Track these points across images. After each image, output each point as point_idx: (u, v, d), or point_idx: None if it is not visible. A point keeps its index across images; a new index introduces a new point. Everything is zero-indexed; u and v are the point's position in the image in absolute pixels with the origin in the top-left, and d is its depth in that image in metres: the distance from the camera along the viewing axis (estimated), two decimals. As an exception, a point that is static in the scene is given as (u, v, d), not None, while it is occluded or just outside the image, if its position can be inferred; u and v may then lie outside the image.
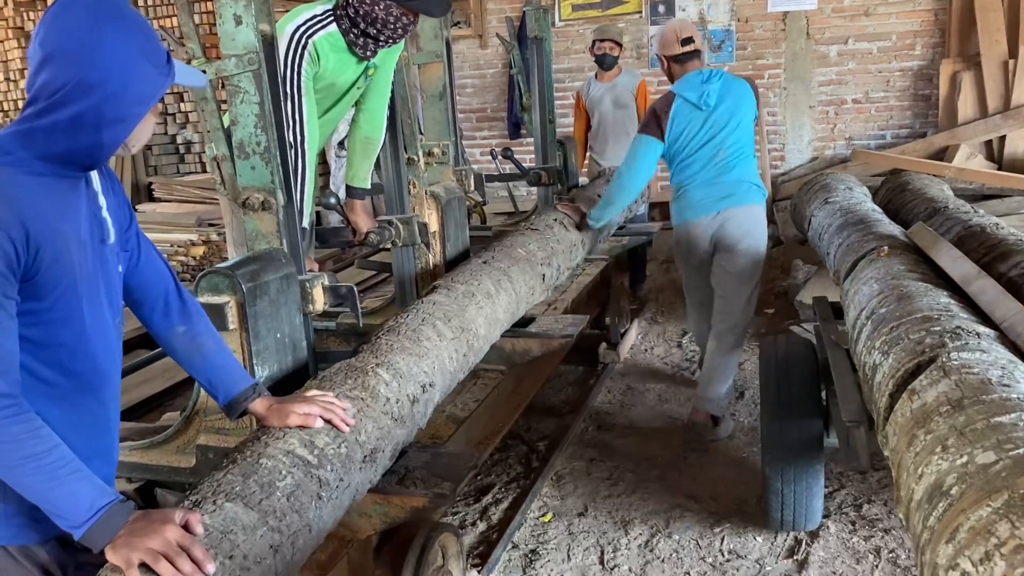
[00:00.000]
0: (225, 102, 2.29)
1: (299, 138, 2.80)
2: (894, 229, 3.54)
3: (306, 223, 2.92)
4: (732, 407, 4.25)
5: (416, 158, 3.27)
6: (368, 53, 3.01)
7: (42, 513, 1.49)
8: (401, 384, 2.18)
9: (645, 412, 4.28)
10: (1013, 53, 6.69)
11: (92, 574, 1.57)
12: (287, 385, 2.26)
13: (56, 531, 1.53)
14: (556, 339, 3.31)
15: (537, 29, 4.77)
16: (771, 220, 7.20)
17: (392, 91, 3.20)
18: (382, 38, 2.96)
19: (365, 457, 1.95)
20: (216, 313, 2.13)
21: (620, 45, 5.94)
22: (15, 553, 1.54)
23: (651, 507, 3.38)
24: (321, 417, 1.86)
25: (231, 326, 2.14)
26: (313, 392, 1.94)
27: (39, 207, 1.43)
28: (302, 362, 2.36)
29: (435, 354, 2.39)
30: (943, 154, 6.86)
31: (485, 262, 3.07)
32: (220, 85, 2.29)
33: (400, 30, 2.96)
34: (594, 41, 5.95)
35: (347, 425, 1.89)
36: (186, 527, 1.47)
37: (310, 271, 2.56)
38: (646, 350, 5.15)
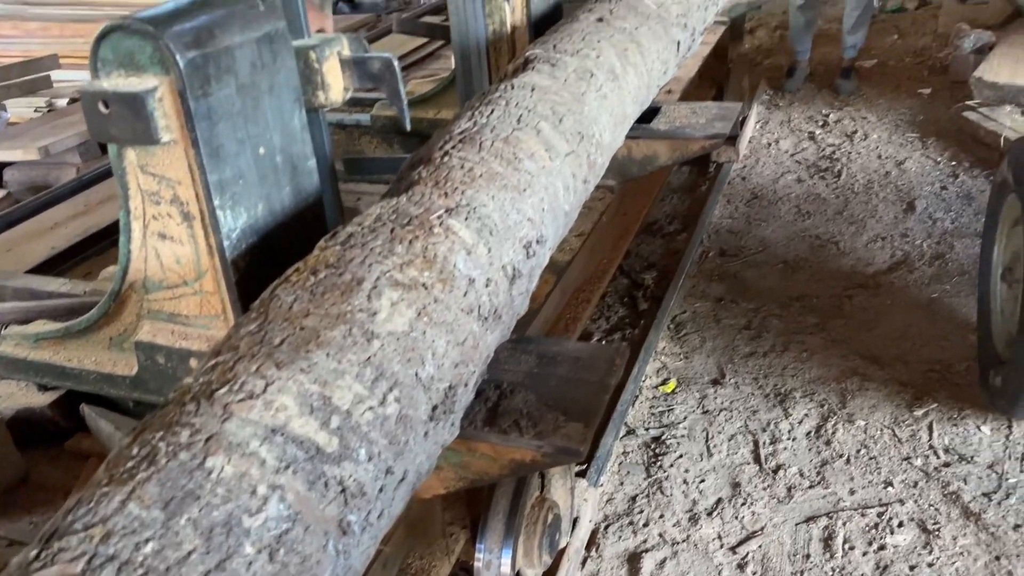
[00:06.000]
0: None
1: None
2: None
3: (310, -50, 1.81)
4: (902, 224, 3.19)
5: None
6: None
7: None
8: (493, 248, 1.16)
9: (782, 231, 3.24)
10: None
11: None
12: (284, 245, 1.27)
13: None
14: (698, 141, 2.23)
15: None
16: (914, -27, 5.73)
17: None
18: None
19: (435, 407, 0.98)
20: (133, 111, 1.10)
21: None
22: None
23: (814, 372, 2.44)
24: None
25: (163, 136, 1.11)
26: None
27: None
28: (310, 198, 1.34)
29: (544, 183, 1.35)
30: None
31: (601, 19, 1.92)
32: None
33: None
34: None
35: None
36: None
37: (318, 32, 1.49)
38: (769, 144, 4.01)
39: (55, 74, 3.99)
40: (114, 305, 1.33)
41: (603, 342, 2.68)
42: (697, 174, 3.73)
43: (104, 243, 2.27)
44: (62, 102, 3.84)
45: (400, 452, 0.90)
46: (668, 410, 2.36)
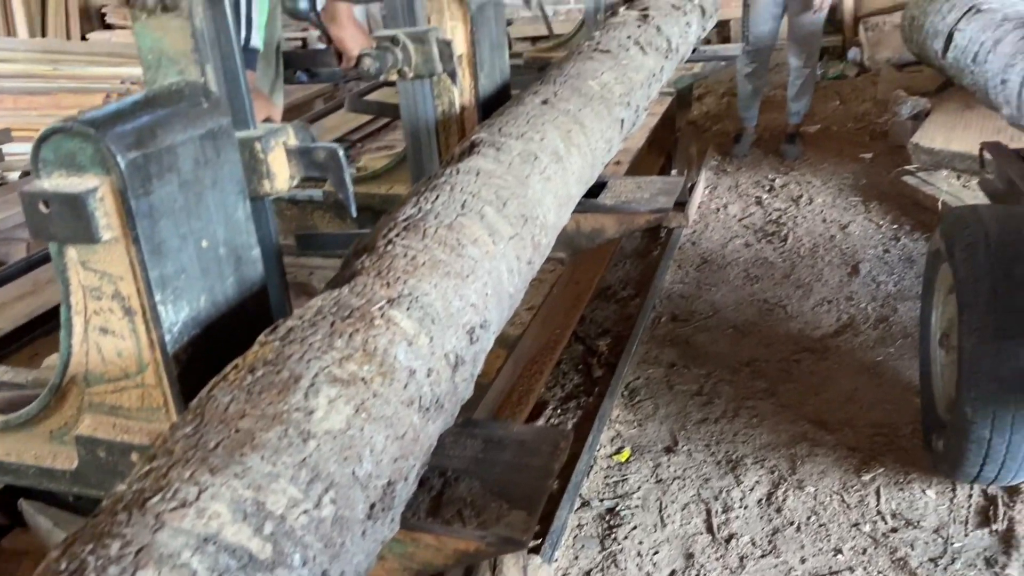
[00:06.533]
0: None
1: None
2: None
3: (257, 42, 1.84)
4: (847, 287, 3.28)
5: (431, -62, 2.12)
6: None
7: None
8: (435, 336, 1.18)
9: (731, 295, 3.31)
10: None
11: None
12: (227, 336, 1.27)
13: None
14: (642, 215, 2.29)
15: None
16: (853, 43, 6.00)
17: None
18: None
19: (373, 505, 0.98)
20: (73, 211, 1.11)
21: None
22: None
23: (765, 438, 2.48)
24: None
25: (104, 234, 1.12)
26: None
27: None
28: (255, 287, 1.35)
29: (488, 268, 1.38)
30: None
31: (545, 101, 1.98)
32: None
33: None
34: None
35: None
36: None
37: (265, 121, 1.52)
38: (718, 209, 4.11)
39: (7, 147, 3.98)
40: (54, 399, 1.32)
41: (558, 410, 2.69)
42: (649, 239, 3.80)
43: (52, 323, 2.25)
44: (14, 175, 3.82)
45: (336, 554, 0.90)
46: (622, 480, 2.37)
